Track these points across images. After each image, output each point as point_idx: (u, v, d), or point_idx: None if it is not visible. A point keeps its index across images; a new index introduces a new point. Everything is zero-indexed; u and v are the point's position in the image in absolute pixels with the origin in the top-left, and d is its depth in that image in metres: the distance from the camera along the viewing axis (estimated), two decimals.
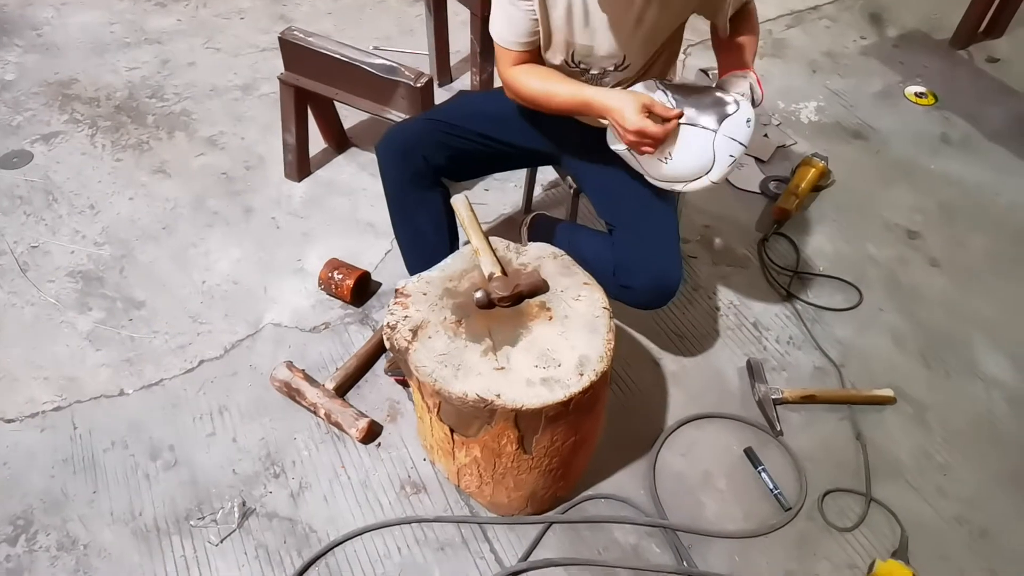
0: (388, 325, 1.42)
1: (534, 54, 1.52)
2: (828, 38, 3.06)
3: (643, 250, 1.58)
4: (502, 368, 1.35)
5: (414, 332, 1.41)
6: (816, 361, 1.93)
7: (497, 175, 2.36)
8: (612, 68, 1.51)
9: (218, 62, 2.79)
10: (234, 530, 1.56)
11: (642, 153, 1.43)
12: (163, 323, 1.93)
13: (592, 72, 1.53)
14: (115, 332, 1.91)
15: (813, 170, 2.32)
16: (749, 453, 1.73)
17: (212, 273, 2.06)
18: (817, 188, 2.37)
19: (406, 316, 1.43)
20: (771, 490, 1.66)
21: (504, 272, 1.48)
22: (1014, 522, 1.65)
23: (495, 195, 2.31)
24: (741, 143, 1.42)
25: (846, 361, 1.93)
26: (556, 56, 1.52)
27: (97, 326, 1.92)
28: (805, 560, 1.57)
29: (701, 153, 1.42)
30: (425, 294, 1.47)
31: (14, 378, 1.80)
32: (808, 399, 1.82)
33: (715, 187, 1.50)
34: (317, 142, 2.40)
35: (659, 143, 1.40)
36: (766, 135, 2.57)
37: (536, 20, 1.45)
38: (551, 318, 1.43)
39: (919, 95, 2.77)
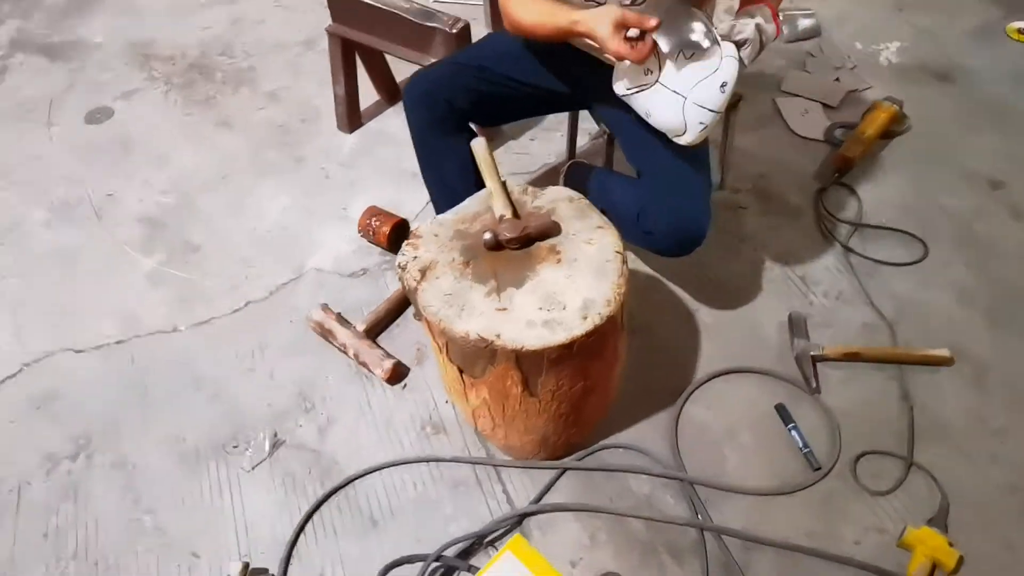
0: (399, 265, 1.45)
1: None
2: None
3: (667, 195, 1.53)
4: (504, 309, 1.35)
5: (423, 272, 1.42)
6: (866, 318, 1.81)
7: (543, 124, 2.32)
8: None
9: (285, 19, 2.88)
10: (265, 459, 1.66)
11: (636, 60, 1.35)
12: (216, 266, 2.05)
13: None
14: (173, 273, 2.04)
15: (884, 115, 2.15)
16: (780, 410, 1.65)
17: (263, 220, 2.16)
18: (888, 135, 2.19)
19: (416, 256, 1.45)
20: (800, 448, 1.59)
21: (516, 214, 1.47)
22: None
23: (540, 144, 2.28)
24: (712, 110, 1.35)
25: (901, 318, 1.80)
26: None
27: (158, 268, 2.06)
28: (830, 521, 1.49)
29: (673, 115, 1.38)
30: (436, 235, 1.48)
31: (84, 312, 1.96)
32: (852, 356, 1.71)
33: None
34: (371, 95, 2.45)
35: (643, 57, 1.33)
36: (837, 79, 2.39)
37: None
38: (559, 261, 1.41)
39: (1022, 31, 2.49)
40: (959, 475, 1.53)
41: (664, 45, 1.33)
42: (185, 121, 2.49)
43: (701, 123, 1.38)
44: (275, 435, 1.69)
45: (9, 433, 1.72)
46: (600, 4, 1.47)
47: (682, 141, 1.43)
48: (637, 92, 1.42)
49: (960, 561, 1.40)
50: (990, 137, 2.19)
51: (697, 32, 1.35)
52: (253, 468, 1.64)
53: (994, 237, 1.94)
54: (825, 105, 2.32)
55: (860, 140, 2.10)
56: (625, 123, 1.63)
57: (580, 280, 1.38)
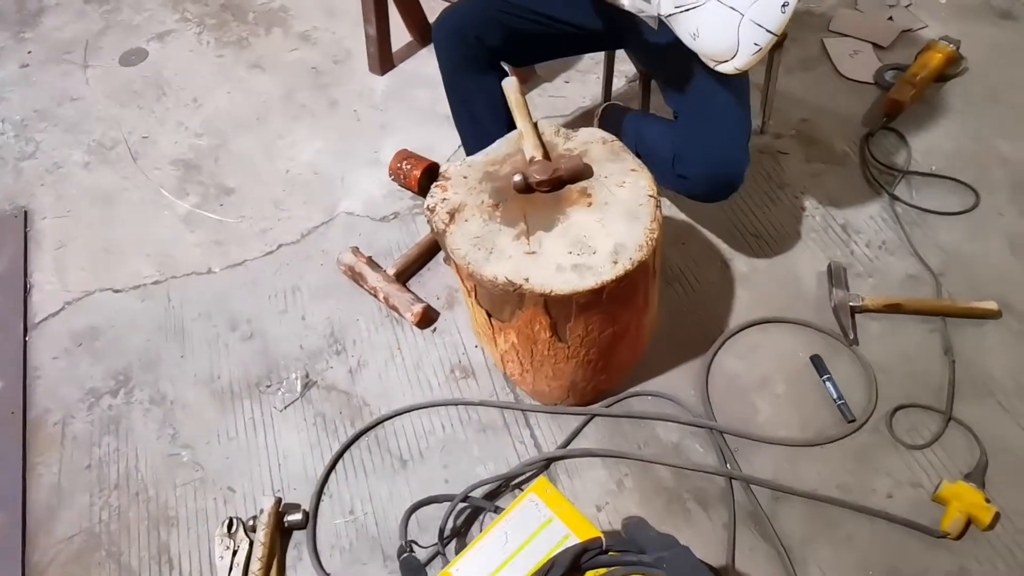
0: (428, 208, 1.43)
1: None
2: None
3: (703, 138, 1.47)
4: (533, 253, 1.33)
5: (451, 215, 1.40)
6: (910, 269, 1.74)
7: (579, 66, 2.26)
8: None
9: None
10: (297, 399, 1.69)
11: None
12: (249, 208, 2.06)
13: None
14: (207, 215, 2.06)
15: (938, 56, 2.03)
16: (815, 361, 1.62)
17: (295, 163, 2.15)
18: (943, 77, 2.07)
19: (444, 199, 1.43)
20: (835, 400, 1.55)
21: (547, 156, 1.43)
22: None
23: (575, 87, 2.22)
24: (770, 31, 1.24)
25: (947, 270, 1.73)
26: None
27: (193, 210, 2.08)
28: (863, 474, 1.47)
29: (725, 36, 1.27)
30: (466, 177, 1.46)
31: (122, 253, 2.00)
32: (893, 307, 1.66)
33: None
34: (403, 36, 2.40)
35: None
36: (890, 18, 2.27)
37: None
38: (591, 204, 1.38)
39: None
40: (1000, 431, 1.49)
41: None
42: (218, 63, 2.48)
43: (756, 44, 1.27)
44: (307, 376, 1.72)
45: (53, 369, 1.77)
46: None
47: (728, 68, 1.32)
48: (686, 11, 1.34)
49: (996, 517, 1.37)
50: None
51: None
52: (285, 408, 1.67)
53: None
54: (876, 45, 2.20)
55: (912, 83, 1.99)
56: (664, 61, 1.57)
57: (611, 224, 1.35)
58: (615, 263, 1.30)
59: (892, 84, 2.05)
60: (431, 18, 2.38)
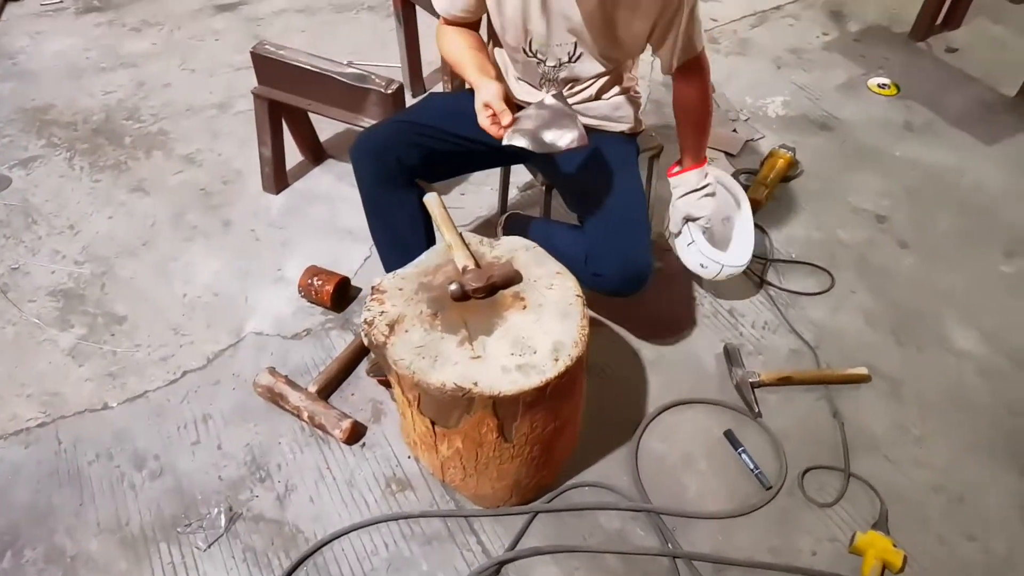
0: (365, 321, 1.44)
1: (470, 25, 1.63)
2: (792, 35, 3.14)
3: (611, 237, 1.62)
4: (478, 357, 1.38)
5: (391, 327, 1.43)
6: (791, 344, 1.97)
7: (472, 179, 2.39)
8: (566, 59, 1.57)
9: (194, 82, 2.82)
10: (222, 534, 1.57)
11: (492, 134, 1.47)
12: (145, 336, 1.95)
13: (548, 64, 1.59)
14: (97, 347, 1.92)
15: (781, 161, 2.38)
16: (729, 435, 1.76)
17: (192, 285, 2.08)
18: (786, 179, 2.42)
19: (383, 312, 1.45)
20: (752, 470, 1.69)
21: (478, 265, 1.51)
22: (988, 487, 1.68)
23: (471, 198, 2.35)
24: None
25: (820, 342, 1.97)
26: (515, 42, 1.58)
27: (79, 342, 1.93)
28: (788, 536, 1.60)
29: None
30: (401, 289, 1.50)
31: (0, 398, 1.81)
32: (785, 381, 1.85)
33: None
34: (294, 155, 2.44)
35: (497, 136, 1.44)
36: (735, 130, 2.63)
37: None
38: (525, 307, 1.46)
39: (881, 86, 2.84)
40: (892, 480, 1.69)
41: (525, 141, 1.43)
42: (94, 188, 2.37)
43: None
44: (230, 508, 1.61)
45: None
46: (556, 66, 1.59)
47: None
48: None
49: (905, 560, 1.53)
50: (869, 177, 2.46)
51: (562, 139, 1.44)
52: (209, 546, 1.55)
53: (886, 265, 2.18)
54: (727, 154, 2.53)
55: (764, 184, 2.31)
56: (565, 171, 1.73)
57: (547, 324, 1.43)
58: (556, 360, 1.37)
59: (747, 186, 2.35)
60: (322, 138, 2.47)
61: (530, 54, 1.58)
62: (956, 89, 2.86)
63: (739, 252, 1.89)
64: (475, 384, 1.34)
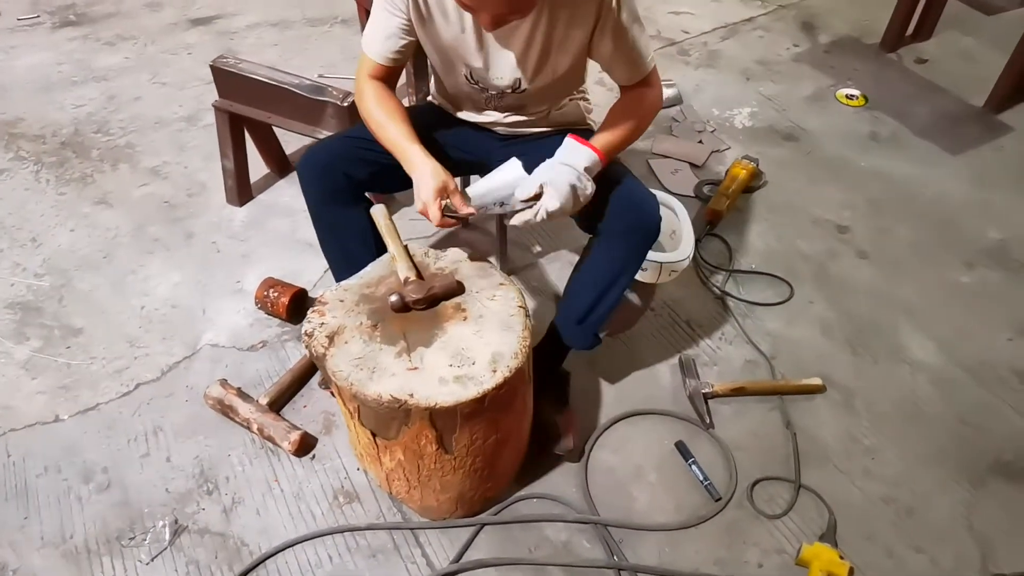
0: (306, 333, 1.45)
1: (395, 71, 1.55)
2: (762, 47, 3.15)
3: (617, 200, 1.52)
4: (415, 368, 1.38)
5: (331, 338, 1.43)
6: (747, 355, 1.96)
7: None
8: (509, 90, 1.55)
9: (164, 95, 2.84)
10: (165, 548, 1.57)
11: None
12: (101, 349, 1.95)
13: (490, 92, 1.57)
14: (52, 360, 1.92)
15: (744, 172, 2.38)
16: (680, 447, 1.75)
17: (151, 298, 2.08)
18: (749, 189, 2.43)
19: (323, 323, 1.45)
20: (701, 482, 1.69)
21: (420, 276, 1.51)
22: (938, 499, 1.67)
23: None
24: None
25: (777, 353, 1.97)
26: (456, 73, 1.55)
27: (34, 355, 1.93)
28: (734, 548, 1.59)
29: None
30: (342, 301, 1.50)
31: None
32: (738, 391, 1.85)
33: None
34: (261, 168, 2.45)
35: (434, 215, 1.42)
36: (700, 141, 2.64)
37: (406, 39, 1.47)
38: (466, 318, 1.46)
39: (850, 97, 2.86)
40: (842, 492, 1.68)
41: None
42: (59, 200, 2.38)
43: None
44: (175, 521, 1.61)
45: None
46: (499, 94, 1.56)
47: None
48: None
49: (851, 572, 1.52)
50: (832, 188, 2.47)
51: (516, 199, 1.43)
52: (152, 559, 1.55)
53: (845, 276, 2.18)
54: (692, 164, 2.54)
55: (726, 194, 2.32)
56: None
57: (488, 335, 1.43)
58: (494, 371, 1.37)
59: (710, 196, 2.36)
60: (288, 150, 2.48)
61: (471, 82, 1.56)
62: (924, 100, 2.87)
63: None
64: (411, 395, 1.33)
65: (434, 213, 1.41)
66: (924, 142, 2.66)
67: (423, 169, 1.43)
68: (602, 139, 1.49)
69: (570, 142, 1.47)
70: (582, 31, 1.44)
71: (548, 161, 1.47)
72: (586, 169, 1.43)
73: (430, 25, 1.46)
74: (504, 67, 1.50)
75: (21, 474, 1.68)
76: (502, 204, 1.47)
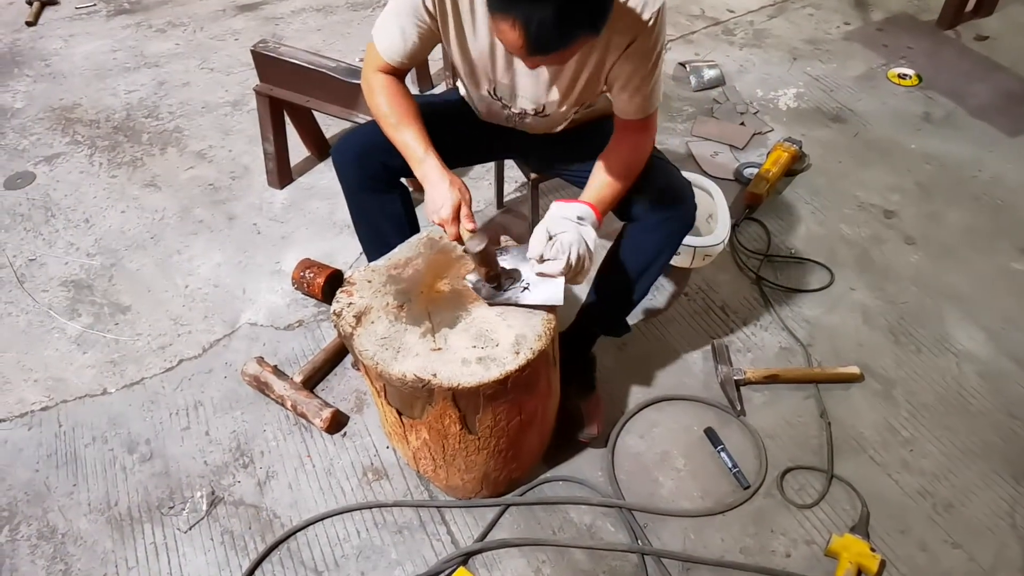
0: (334, 313, 1.47)
1: (402, 72, 1.50)
2: (811, 25, 3.05)
3: (656, 205, 1.51)
4: (439, 349, 1.39)
5: (358, 318, 1.45)
6: (783, 342, 1.92)
7: (471, 173, 2.41)
8: (532, 112, 1.52)
9: (211, 81, 2.91)
10: (202, 518, 1.63)
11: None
12: (146, 326, 2.03)
13: (512, 110, 1.54)
14: (101, 335, 2.01)
15: (785, 155, 2.32)
16: (709, 433, 1.73)
17: (194, 278, 2.15)
18: (791, 173, 2.36)
19: (351, 303, 1.48)
20: (730, 469, 1.66)
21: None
22: (980, 494, 1.62)
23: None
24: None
25: (813, 341, 1.92)
26: (479, 86, 1.52)
27: (85, 331, 2.02)
28: (761, 536, 1.57)
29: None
30: (370, 282, 1.52)
31: (6, 380, 1.90)
32: (771, 379, 1.81)
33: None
34: (301, 151, 2.50)
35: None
36: (742, 123, 2.57)
37: (419, 43, 1.42)
38: None
39: (902, 76, 2.75)
40: (876, 483, 1.64)
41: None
42: (110, 183, 2.47)
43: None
44: (212, 493, 1.67)
45: None
46: (521, 114, 1.53)
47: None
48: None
49: (882, 565, 1.49)
50: (880, 171, 2.38)
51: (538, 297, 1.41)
52: (190, 528, 1.61)
53: (889, 262, 2.11)
54: (732, 147, 2.49)
55: (766, 178, 2.26)
56: (565, 164, 1.68)
57: (512, 318, 1.43)
58: (517, 353, 1.38)
59: (750, 180, 2.31)
60: (328, 134, 2.52)
61: (495, 98, 1.54)
62: (982, 79, 2.74)
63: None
64: (434, 376, 1.35)
65: (452, 231, 1.42)
66: (980, 123, 2.54)
67: (440, 187, 1.42)
68: (594, 194, 1.43)
69: (557, 205, 1.41)
70: (613, 56, 1.38)
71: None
72: (579, 218, 1.39)
73: (460, 36, 1.42)
74: (531, 90, 1.47)
75: (71, 443, 1.77)
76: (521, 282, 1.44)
